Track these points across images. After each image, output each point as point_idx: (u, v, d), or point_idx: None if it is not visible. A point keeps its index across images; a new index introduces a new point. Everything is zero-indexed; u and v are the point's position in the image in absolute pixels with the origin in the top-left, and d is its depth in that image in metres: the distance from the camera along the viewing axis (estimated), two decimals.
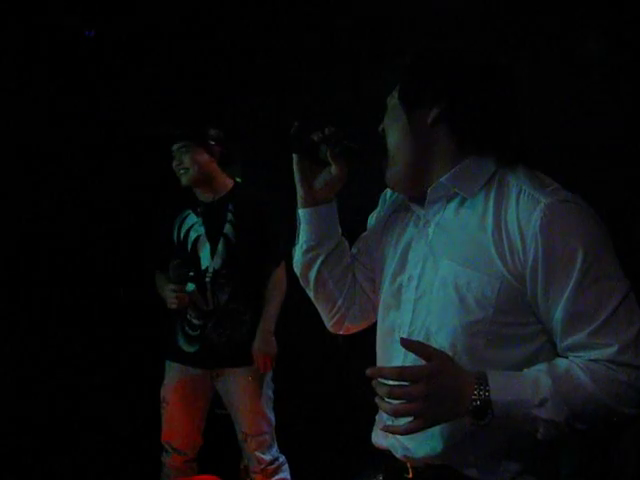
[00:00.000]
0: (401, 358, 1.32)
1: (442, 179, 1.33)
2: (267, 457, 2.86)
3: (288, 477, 2.95)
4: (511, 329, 1.25)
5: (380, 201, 1.56)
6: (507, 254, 1.23)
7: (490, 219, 1.26)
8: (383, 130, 1.41)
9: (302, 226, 1.50)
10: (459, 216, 1.32)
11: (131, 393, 3.51)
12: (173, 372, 2.94)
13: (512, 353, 1.26)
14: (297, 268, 1.54)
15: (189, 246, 2.92)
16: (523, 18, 3.31)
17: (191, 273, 2.90)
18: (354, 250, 1.57)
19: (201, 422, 2.97)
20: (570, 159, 3.23)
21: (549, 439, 1.19)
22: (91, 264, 3.53)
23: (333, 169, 1.44)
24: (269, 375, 2.93)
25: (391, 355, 1.37)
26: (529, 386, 1.17)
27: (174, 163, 2.89)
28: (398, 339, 1.25)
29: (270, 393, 2.93)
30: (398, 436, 1.31)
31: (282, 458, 2.94)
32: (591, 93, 3.25)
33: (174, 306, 2.80)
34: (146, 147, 3.53)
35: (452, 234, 1.32)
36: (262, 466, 2.85)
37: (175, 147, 2.88)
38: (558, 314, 1.22)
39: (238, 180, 3.08)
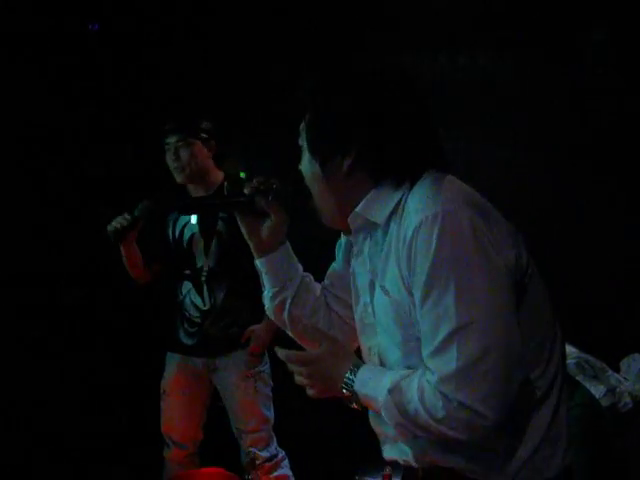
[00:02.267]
0: None
1: (357, 209, 1.35)
2: (264, 454, 2.85)
3: (288, 472, 2.93)
4: None
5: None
6: (404, 277, 1.26)
7: (393, 245, 1.30)
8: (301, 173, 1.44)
9: (263, 275, 1.55)
10: (382, 244, 1.35)
11: (134, 388, 3.49)
12: (173, 363, 2.94)
13: None
14: (270, 314, 1.58)
15: (184, 245, 2.91)
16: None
17: (187, 272, 2.90)
18: (326, 282, 1.59)
19: (201, 416, 2.97)
20: (570, 159, 3.25)
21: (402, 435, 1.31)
22: (89, 260, 3.52)
23: (272, 217, 1.48)
24: (266, 373, 2.91)
25: None
26: (379, 387, 1.28)
27: (170, 158, 2.83)
28: (376, 359, 1.39)
29: (268, 391, 2.90)
30: (400, 445, 1.39)
31: (282, 454, 2.92)
32: (591, 92, 3.26)
33: (110, 227, 2.70)
34: (138, 144, 3.53)
35: (379, 262, 1.35)
36: (258, 462, 2.84)
37: (171, 140, 2.82)
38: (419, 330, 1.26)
39: (242, 175, 3.05)
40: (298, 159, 1.43)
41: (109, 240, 2.74)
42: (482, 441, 1.25)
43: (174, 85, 3.59)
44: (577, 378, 2.37)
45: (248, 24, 3.59)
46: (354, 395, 1.32)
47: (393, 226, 1.32)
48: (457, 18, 3.39)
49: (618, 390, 2.46)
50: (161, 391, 2.95)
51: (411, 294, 1.25)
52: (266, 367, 2.91)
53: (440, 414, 1.20)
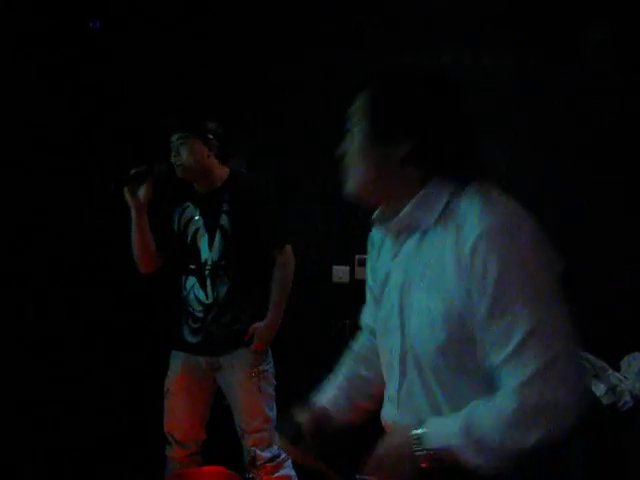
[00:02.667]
0: (397, 377, 1.44)
1: (401, 214, 1.39)
2: (266, 454, 2.86)
3: (291, 473, 2.92)
4: (472, 356, 1.31)
5: (368, 245, 1.61)
6: (457, 280, 1.29)
7: (448, 250, 1.31)
8: (343, 154, 1.45)
9: None
10: (423, 245, 1.38)
11: (136, 386, 3.50)
12: (177, 362, 2.95)
13: (474, 381, 1.32)
14: None
15: (189, 238, 2.94)
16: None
17: (192, 266, 2.91)
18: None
19: (204, 416, 2.98)
20: (570, 159, 3.25)
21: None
22: (95, 256, 3.53)
23: None
24: (270, 372, 2.92)
25: (391, 375, 1.47)
26: (452, 433, 1.27)
27: (172, 154, 2.87)
28: (395, 362, 1.42)
29: (271, 390, 2.91)
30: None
31: (284, 454, 2.89)
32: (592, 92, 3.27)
33: (125, 176, 2.75)
34: (138, 143, 3.54)
35: (419, 262, 1.38)
36: (260, 463, 2.85)
37: (174, 138, 2.87)
38: (482, 337, 1.28)
39: (244, 172, 3.07)
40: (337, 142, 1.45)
41: (125, 185, 2.74)
42: None
43: (174, 85, 3.59)
44: None
45: (248, 24, 3.60)
46: (426, 452, 1.29)
47: (442, 230, 1.34)
48: (457, 18, 3.40)
49: (618, 389, 2.47)
50: (165, 390, 2.96)
51: (468, 296, 1.27)
52: (269, 366, 2.92)
53: (527, 424, 1.21)
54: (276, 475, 2.87)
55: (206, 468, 2.73)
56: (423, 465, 1.29)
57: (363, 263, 3.53)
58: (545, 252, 1.27)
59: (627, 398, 2.46)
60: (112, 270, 3.53)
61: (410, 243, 1.41)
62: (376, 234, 1.58)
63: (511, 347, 1.23)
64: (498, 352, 1.25)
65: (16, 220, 3.26)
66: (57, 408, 3.34)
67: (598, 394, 2.38)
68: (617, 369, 2.68)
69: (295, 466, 2.93)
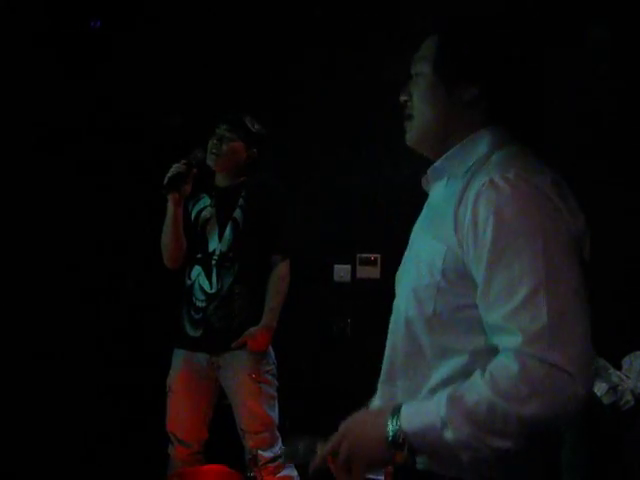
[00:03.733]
0: (386, 356, 1.41)
1: (436, 163, 1.36)
2: (267, 454, 2.84)
3: (293, 473, 2.90)
4: (459, 309, 1.23)
5: None
6: (458, 225, 1.22)
7: (458, 195, 1.26)
8: (405, 101, 1.40)
9: None
10: (444, 193, 1.34)
11: (138, 385, 3.49)
12: (179, 360, 2.95)
13: (460, 338, 1.23)
14: None
15: (199, 228, 2.97)
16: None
17: (199, 255, 2.93)
18: None
19: (206, 415, 2.97)
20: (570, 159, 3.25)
21: (476, 462, 1.14)
22: (99, 252, 3.53)
23: None
24: (271, 374, 2.92)
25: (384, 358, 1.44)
26: (430, 411, 1.15)
27: (212, 142, 2.92)
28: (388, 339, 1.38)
29: (272, 391, 2.90)
30: None
31: None
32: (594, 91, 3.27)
33: (168, 175, 2.77)
34: (163, 135, 3.56)
35: (434, 210, 1.36)
36: (262, 463, 2.81)
37: (221, 128, 2.94)
38: (480, 290, 1.18)
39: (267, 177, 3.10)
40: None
41: (167, 189, 2.79)
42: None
43: (174, 85, 3.60)
44: None
45: (248, 24, 3.60)
46: (402, 438, 1.15)
47: (461, 179, 1.29)
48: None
49: (620, 388, 2.46)
50: (167, 388, 2.96)
51: (460, 247, 1.20)
52: (271, 367, 2.92)
53: (525, 390, 1.08)
54: (278, 475, 2.86)
55: (207, 467, 2.72)
56: (397, 458, 1.16)
57: (364, 262, 3.54)
58: (555, 210, 1.19)
59: (629, 397, 2.45)
60: (112, 270, 3.53)
61: (435, 192, 1.38)
62: None
63: (514, 303, 1.12)
64: (498, 308, 1.14)
65: (14, 220, 3.26)
66: (58, 407, 3.34)
67: (599, 393, 2.37)
68: (618, 368, 2.67)
69: (297, 466, 2.93)
